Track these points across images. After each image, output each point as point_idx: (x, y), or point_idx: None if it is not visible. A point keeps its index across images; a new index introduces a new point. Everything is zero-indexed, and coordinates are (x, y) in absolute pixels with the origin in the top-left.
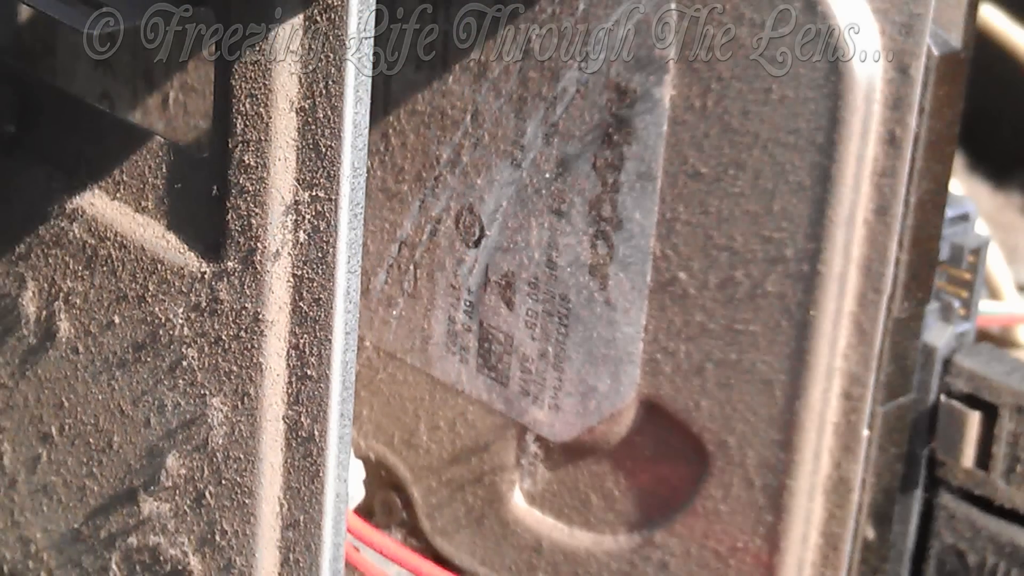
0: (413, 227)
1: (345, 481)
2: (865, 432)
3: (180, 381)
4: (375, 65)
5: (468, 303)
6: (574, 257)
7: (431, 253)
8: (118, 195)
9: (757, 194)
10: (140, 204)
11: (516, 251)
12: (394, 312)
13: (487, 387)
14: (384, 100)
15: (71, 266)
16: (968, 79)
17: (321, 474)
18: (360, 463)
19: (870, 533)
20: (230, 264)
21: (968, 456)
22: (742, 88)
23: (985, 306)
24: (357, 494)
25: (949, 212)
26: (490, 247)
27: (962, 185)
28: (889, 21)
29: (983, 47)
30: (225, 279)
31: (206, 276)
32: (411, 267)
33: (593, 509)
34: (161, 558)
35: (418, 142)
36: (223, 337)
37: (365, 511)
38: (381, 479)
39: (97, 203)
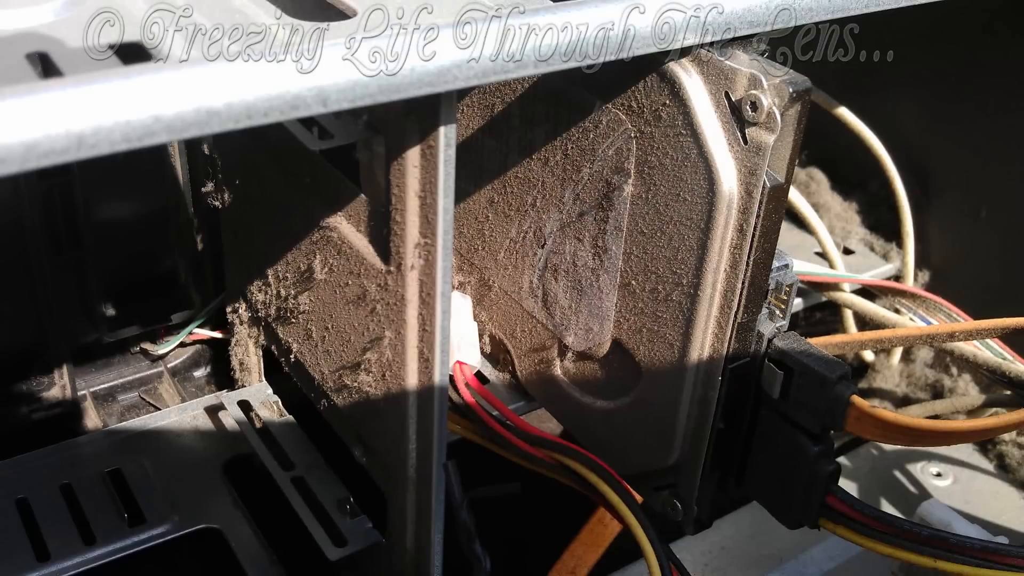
0: (516, 232)
1: (445, 387)
2: (719, 378)
3: (373, 318)
4: (506, 153)
5: (538, 275)
6: (585, 263)
7: (524, 246)
8: (350, 221)
9: (670, 247)
10: (358, 227)
11: (559, 254)
12: (508, 272)
13: (546, 318)
14: (501, 168)
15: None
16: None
17: (432, 378)
18: (475, 326)
19: (722, 425)
20: (391, 268)
21: (776, 391)
22: (666, 191)
23: (801, 266)
24: (475, 359)
25: (777, 263)
26: (548, 249)
27: (825, 193)
28: (743, 166)
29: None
30: (390, 274)
31: (382, 271)
32: (515, 252)
33: (590, 385)
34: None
35: (517, 193)
36: (390, 301)
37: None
38: (501, 348)
39: (342, 225)
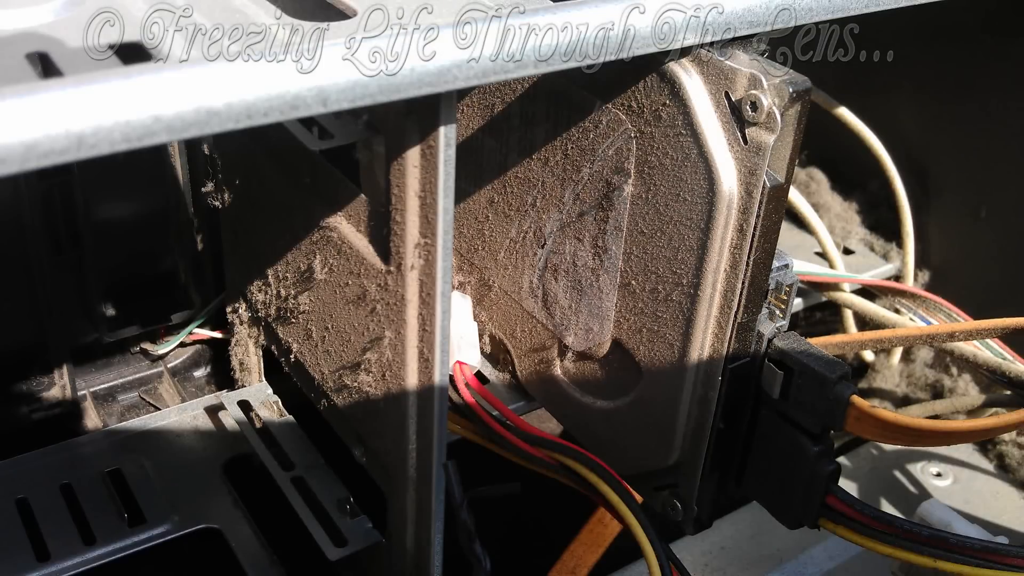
0: (516, 232)
1: (445, 387)
2: (719, 378)
3: (373, 318)
4: (506, 153)
5: (538, 275)
6: (585, 263)
7: (524, 246)
8: (350, 221)
9: (670, 247)
10: (358, 227)
11: (559, 254)
12: (508, 272)
13: (546, 318)
14: (501, 168)
15: (332, 254)
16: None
17: (432, 378)
18: (475, 326)
19: (722, 425)
20: (391, 267)
21: (776, 391)
22: (666, 191)
23: (801, 266)
24: (475, 359)
25: (777, 263)
26: (548, 249)
27: (825, 193)
28: (743, 166)
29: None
30: (390, 274)
31: (382, 271)
32: (515, 252)
33: (590, 385)
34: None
35: (517, 193)
36: (390, 301)
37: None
38: (501, 348)
39: (342, 225)
